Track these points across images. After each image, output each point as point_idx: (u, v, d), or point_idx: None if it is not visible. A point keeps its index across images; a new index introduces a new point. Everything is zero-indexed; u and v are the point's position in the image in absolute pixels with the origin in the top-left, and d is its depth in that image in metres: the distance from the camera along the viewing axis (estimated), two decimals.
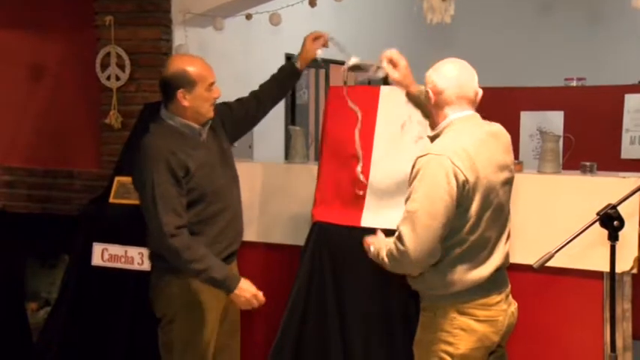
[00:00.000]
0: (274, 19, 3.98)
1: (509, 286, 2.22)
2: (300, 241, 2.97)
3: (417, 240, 1.96)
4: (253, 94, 2.83)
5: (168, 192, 2.34)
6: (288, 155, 3.55)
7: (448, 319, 2.10)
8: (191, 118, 2.47)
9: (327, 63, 6.07)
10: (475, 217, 2.04)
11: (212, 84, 2.47)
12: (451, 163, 1.99)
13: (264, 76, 2.95)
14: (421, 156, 2.06)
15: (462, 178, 1.99)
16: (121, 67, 3.84)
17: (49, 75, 4.19)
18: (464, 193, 2.01)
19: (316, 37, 2.78)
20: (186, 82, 2.41)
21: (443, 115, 2.16)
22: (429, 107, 2.24)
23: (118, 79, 3.85)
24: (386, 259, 2.08)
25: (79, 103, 4.11)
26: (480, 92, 2.18)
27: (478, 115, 2.19)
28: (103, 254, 3.24)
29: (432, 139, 2.19)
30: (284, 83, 2.86)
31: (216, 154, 2.56)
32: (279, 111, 4.87)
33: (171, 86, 2.42)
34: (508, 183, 2.17)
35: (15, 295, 3.70)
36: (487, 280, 2.10)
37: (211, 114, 2.51)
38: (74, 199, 4.09)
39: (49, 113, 4.19)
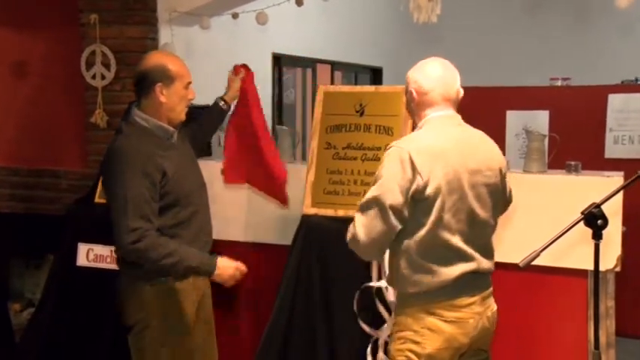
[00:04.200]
0: (261, 18, 3.97)
1: (490, 289, 2.18)
2: (288, 241, 2.97)
3: (367, 229, 2.02)
4: (199, 122, 2.84)
5: (140, 196, 2.28)
6: None
7: (416, 318, 2.08)
8: (164, 117, 2.42)
9: (313, 63, 6.07)
10: (435, 217, 2.01)
11: (189, 83, 2.44)
12: (409, 157, 1.99)
13: None
14: (389, 147, 2.08)
15: (417, 173, 1.98)
16: (107, 65, 3.81)
17: (34, 73, 4.15)
18: (419, 189, 1.99)
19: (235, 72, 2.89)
20: (166, 76, 2.37)
21: (423, 115, 2.15)
22: (408, 108, 2.23)
23: (103, 77, 3.83)
24: (348, 237, 2.10)
25: (64, 102, 4.07)
26: (462, 92, 2.17)
27: (459, 117, 2.17)
28: (89, 254, 3.22)
29: None
30: (214, 120, 2.90)
31: (187, 157, 2.53)
32: (266, 111, 4.83)
33: (148, 79, 2.37)
34: (483, 187, 2.10)
35: None
36: (455, 282, 2.05)
37: (184, 116, 2.47)
38: (59, 199, 4.05)
39: (33, 112, 4.15)
